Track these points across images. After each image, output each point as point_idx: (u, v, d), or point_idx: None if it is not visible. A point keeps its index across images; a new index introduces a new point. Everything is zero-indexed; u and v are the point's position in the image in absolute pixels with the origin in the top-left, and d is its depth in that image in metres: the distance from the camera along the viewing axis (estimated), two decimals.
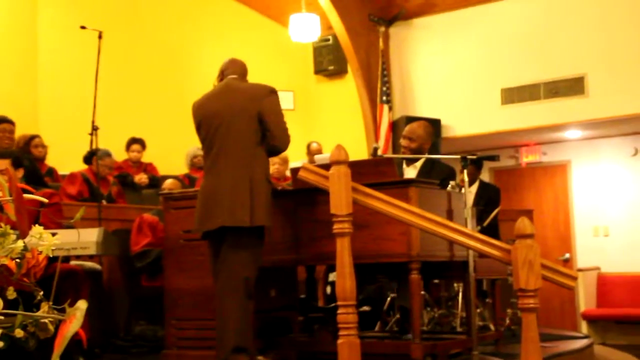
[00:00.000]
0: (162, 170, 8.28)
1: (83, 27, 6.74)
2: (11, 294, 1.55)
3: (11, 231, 1.63)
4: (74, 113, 8.09)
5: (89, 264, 5.15)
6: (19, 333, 1.54)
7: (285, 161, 7.53)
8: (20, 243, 1.60)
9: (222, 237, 4.18)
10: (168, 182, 6.46)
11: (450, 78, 9.27)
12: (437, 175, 5.00)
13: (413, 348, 4.09)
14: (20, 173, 4.77)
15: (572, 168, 10.01)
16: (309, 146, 8.15)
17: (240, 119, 4.26)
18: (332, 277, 6.06)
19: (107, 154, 7.22)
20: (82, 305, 1.53)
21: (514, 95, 8.82)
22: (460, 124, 9.13)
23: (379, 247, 4.18)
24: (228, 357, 4.05)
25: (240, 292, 4.09)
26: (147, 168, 8.21)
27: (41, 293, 1.64)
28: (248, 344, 4.11)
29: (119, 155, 7.96)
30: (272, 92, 4.33)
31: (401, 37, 9.55)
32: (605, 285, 9.50)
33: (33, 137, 7.09)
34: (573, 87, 8.47)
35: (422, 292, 5.06)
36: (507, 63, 8.87)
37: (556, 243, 9.91)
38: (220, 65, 4.55)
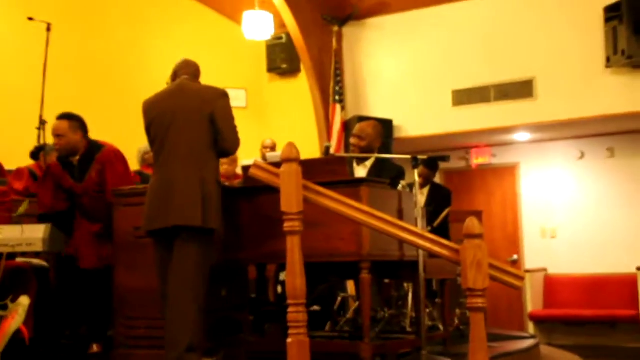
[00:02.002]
0: None
1: (31, 19, 6.61)
2: None
3: None
4: (21, 107, 7.91)
5: (36, 261, 5.03)
6: None
7: (233, 161, 7.46)
8: None
9: (171, 237, 4.13)
10: None
11: (402, 79, 9.32)
12: (387, 174, 5.03)
13: (362, 348, 4.09)
14: None
15: (521, 170, 10.17)
16: (263, 142, 8.11)
17: (192, 120, 4.25)
18: (282, 276, 6.04)
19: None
20: (24, 301, 1.50)
21: (464, 97, 8.92)
22: (412, 124, 9.20)
23: (330, 246, 4.18)
24: (182, 356, 4.01)
25: (193, 292, 4.06)
26: None
27: None
28: (201, 343, 4.07)
29: None
30: (224, 95, 4.36)
31: (354, 37, 9.58)
32: (552, 286, 9.68)
33: None
34: (522, 90, 8.60)
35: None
36: (459, 65, 8.97)
37: (505, 244, 10.05)
38: (174, 64, 4.52)
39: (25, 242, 4.35)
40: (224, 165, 7.22)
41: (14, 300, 1.61)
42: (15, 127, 7.81)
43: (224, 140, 4.27)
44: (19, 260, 4.75)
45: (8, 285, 3.25)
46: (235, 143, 4.33)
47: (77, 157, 5.11)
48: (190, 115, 4.25)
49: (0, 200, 4.54)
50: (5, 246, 3.95)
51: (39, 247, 4.45)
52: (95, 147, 5.17)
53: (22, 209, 1.67)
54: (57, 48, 6.81)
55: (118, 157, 5.18)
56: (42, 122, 6.24)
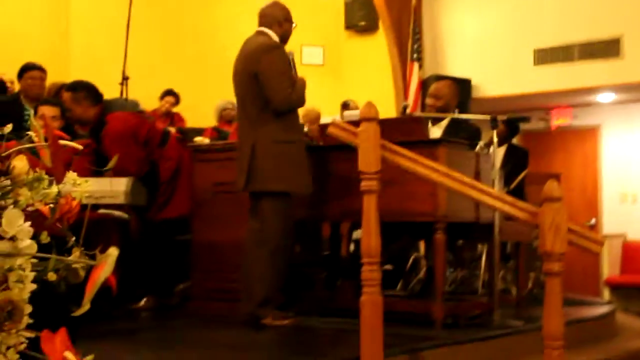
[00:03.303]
0: (190, 122, 8.31)
1: None
2: (45, 238, 1.57)
3: (45, 176, 1.65)
4: (105, 62, 8.09)
5: (117, 213, 5.20)
6: (51, 277, 1.57)
7: (315, 120, 7.47)
8: (54, 189, 1.62)
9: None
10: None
11: (482, 37, 9.14)
12: (463, 134, 4.97)
13: (434, 309, 4.11)
14: (61, 122, 4.84)
15: (603, 132, 9.89)
16: (346, 104, 8.08)
17: (243, 82, 4.25)
18: (355, 235, 6.08)
19: (135, 104, 7.22)
20: (113, 252, 1.56)
21: (547, 56, 8.69)
22: (491, 84, 9.03)
23: (405, 206, 4.19)
24: (256, 310, 4.13)
25: (264, 248, 4.14)
26: (175, 118, 8.24)
27: (73, 239, 1.67)
28: (275, 297, 4.17)
29: (148, 105, 7.99)
30: (269, 50, 4.19)
31: None
32: (630, 252, 9.45)
33: (64, 85, 7.12)
34: (608, 48, 8.32)
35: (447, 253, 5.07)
36: (541, 23, 8.72)
37: (583, 208, 9.84)
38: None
39: (109, 195, 4.49)
40: (305, 125, 7.27)
41: (102, 251, 1.68)
42: (99, 82, 7.96)
43: (269, 98, 4.14)
44: (102, 211, 4.90)
45: (91, 236, 3.37)
46: (281, 101, 4.12)
47: (87, 129, 4.95)
48: (242, 77, 4.25)
49: (84, 152, 4.67)
50: (89, 197, 4.08)
51: (121, 200, 4.59)
52: (102, 122, 4.86)
53: (111, 163, 1.74)
54: (141, 4, 6.94)
55: (120, 136, 4.77)
56: (125, 78, 6.39)
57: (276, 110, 4.16)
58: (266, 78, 4.13)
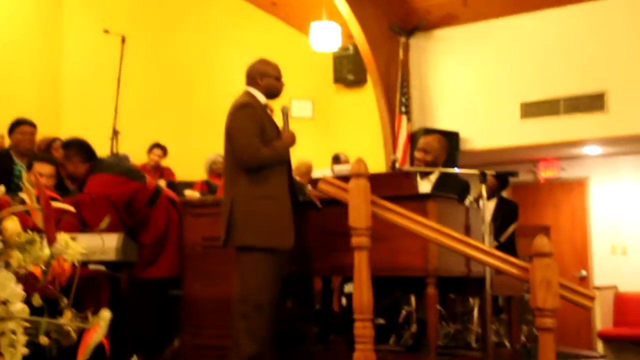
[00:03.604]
0: (180, 176, 8.32)
1: (106, 31, 6.81)
2: (37, 300, 1.57)
3: (38, 238, 1.65)
4: (95, 116, 8.14)
5: (100, 267, 5.17)
6: (43, 340, 1.56)
7: (307, 173, 7.49)
8: (46, 251, 1.62)
9: None
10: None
11: (469, 90, 9.24)
12: (452, 189, 4.99)
13: None
14: (54, 180, 4.85)
15: (591, 184, 9.96)
16: (337, 157, 8.12)
17: (225, 139, 4.32)
18: (347, 288, 6.06)
19: (126, 158, 7.25)
20: (105, 315, 1.55)
21: (533, 109, 8.78)
22: (479, 137, 9.10)
23: (396, 260, 4.18)
24: None
25: (245, 304, 4.13)
26: (165, 172, 8.25)
27: (65, 301, 1.66)
28: (263, 353, 4.11)
29: (138, 158, 8.02)
30: (237, 109, 4.26)
31: (421, 48, 9.55)
32: (622, 304, 9.42)
33: (54, 140, 7.13)
34: (593, 103, 8.42)
35: (438, 307, 5.05)
36: (527, 77, 8.84)
37: (573, 260, 9.85)
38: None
39: (99, 251, 4.47)
40: (297, 177, 7.29)
41: (90, 308, 1.67)
42: (90, 136, 7.98)
43: (236, 155, 4.20)
44: (91, 267, 4.87)
45: (81, 292, 3.34)
46: (247, 158, 4.15)
47: (77, 185, 5.01)
48: (225, 134, 4.33)
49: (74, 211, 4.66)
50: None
51: (112, 256, 4.57)
52: (87, 176, 4.91)
53: (103, 224, 1.74)
54: (131, 59, 7.00)
55: (94, 199, 4.76)
56: (115, 132, 6.41)
57: (244, 167, 4.21)
58: (233, 136, 4.23)
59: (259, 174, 4.19)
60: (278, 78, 4.44)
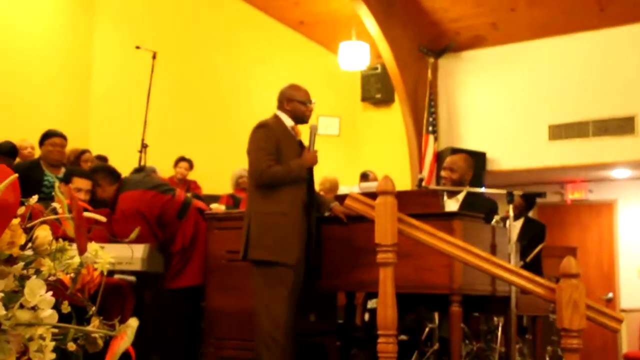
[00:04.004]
0: (206, 190, 8.38)
1: (138, 47, 6.89)
2: (66, 307, 1.59)
3: (69, 247, 1.68)
4: (124, 130, 8.24)
5: (131, 278, 5.22)
6: (71, 347, 1.58)
7: (332, 189, 7.51)
8: (76, 259, 1.64)
9: None
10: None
11: (497, 111, 9.22)
12: (479, 208, 4.98)
13: None
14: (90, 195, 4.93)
15: (619, 207, 9.86)
16: (366, 175, 8.13)
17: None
18: (370, 304, 6.04)
19: (153, 171, 7.31)
20: (133, 323, 1.57)
21: (561, 131, 8.74)
22: (506, 157, 9.07)
23: (421, 277, 4.17)
24: None
25: (259, 315, 4.23)
26: (191, 186, 8.32)
27: (93, 308, 1.69)
28: None
29: (165, 172, 8.08)
30: (254, 129, 4.42)
31: (450, 69, 9.56)
32: None
33: (83, 152, 7.23)
34: (623, 126, 8.37)
35: (462, 325, 5.02)
36: (556, 99, 8.80)
37: (599, 282, 9.75)
38: (275, 92, 4.66)
39: (125, 261, 4.52)
40: (321, 192, 7.31)
41: (117, 317, 1.70)
42: (118, 149, 8.12)
43: (248, 172, 4.43)
44: (117, 277, 4.92)
45: (107, 300, 3.38)
46: (256, 176, 4.32)
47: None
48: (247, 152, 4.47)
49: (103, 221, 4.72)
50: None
51: (138, 266, 4.62)
52: (117, 196, 5.03)
53: (133, 235, 1.77)
54: (161, 74, 7.07)
55: (129, 215, 4.89)
56: (144, 146, 6.48)
57: (255, 183, 4.36)
58: (248, 154, 4.40)
59: (273, 191, 4.31)
60: (305, 102, 4.54)
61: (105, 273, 1.80)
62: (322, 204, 4.67)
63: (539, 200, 8.94)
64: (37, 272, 1.63)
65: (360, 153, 9.95)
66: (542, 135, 8.85)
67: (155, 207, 4.94)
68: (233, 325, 4.78)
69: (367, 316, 6.22)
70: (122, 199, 4.98)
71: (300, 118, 4.54)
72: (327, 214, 4.60)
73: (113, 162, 7.93)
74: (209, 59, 9.59)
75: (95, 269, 1.68)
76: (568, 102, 8.70)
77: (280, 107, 4.54)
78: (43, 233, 1.70)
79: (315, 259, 4.47)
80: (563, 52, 8.82)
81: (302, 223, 4.36)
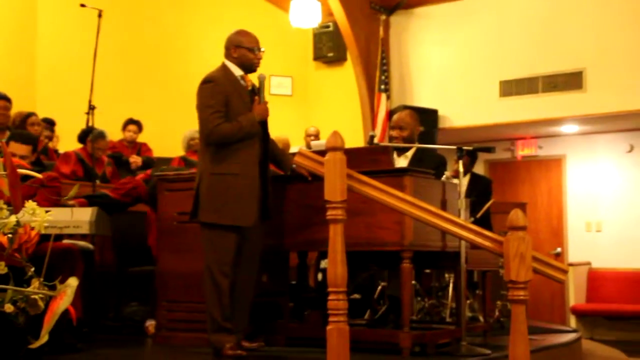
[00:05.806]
0: (157, 152, 8.27)
1: (83, 5, 6.71)
2: (2, 268, 1.55)
3: (4, 206, 1.63)
4: (71, 92, 8.05)
5: (82, 243, 5.14)
6: (8, 308, 1.55)
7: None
8: (12, 218, 1.60)
9: None
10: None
11: (449, 68, 9.25)
12: (428, 163, 4.99)
13: (402, 337, 4.10)
14: (33, 157, 4.80)
15: (567, 163, 10.03)
16: (307, 130, 8.14)
17: None
18: (323, 264, 6.07)
19: (102, 136, 7.09)
20: (72, 282, 1.54)
21: (512, 87, 8.82)
22: (458, 115, 9.13)
23: (372, 235, 4.19)
24: (210, 337, 4.15)
25: (208, 279, 4.15)
26: (142, 148, 8.19)
27: (32, 269, 1.65)
28: (225, 326, 4.12)
29: (115, 135, 7.94)
30: (201, 84, 4.22)
31: (402, 26, 9.53)
32: (596, 280, 9.55)
33: (29, 115, 7.04)
34: (571, 81, 8.47)
35: (413, 282, 5.08)
36: (507, 55, 8.87)
37: (549, 237, 9.94)
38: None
39: (73, 225, 4.44)
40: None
41: (62, 281, 1.66)
42: (66, 111, 7.95)
43: (199, 131, 4.25)
44: (66, 242, 4.84)
45: (56, 266, 3.33)
46: (206, 134, 4.14)
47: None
48: None
49: (49, 185, 4.64)
50: (53, 228, 4.05)
51: (85, 230, 4.55)
52: None
53: (72, 192, 1.72)
54: (108, 34, 6.91)
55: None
56: (91, 107, 6.35)
57: (205, 143, 4.20)
58: (197, 111, 4.21)
59: (224, 151, 4.14)
60: (253, 49, 4.33)
61: (52, 237, 1.76)
62: (282, 162, 4.53)
63: (489, 156, 9.07)
64: None
65: (313, 112, 9.91)
66: (493, 92, 8.92)
67: None
68: (185, 287, 4.75)
69: (320, 276, 6.25)
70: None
71: (249, 66, 4.32)
72: (288, 172, 4.51)
73: (60, 125, 7.82)
74: (157, 17, 9.40)
75: (33, 228, 1.64)
76: (518, 58, 8.77)
77: (228, 55, 4.33)
78: None
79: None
80: (514, 8, 8.86)
81: (256, 182, 4.20)
